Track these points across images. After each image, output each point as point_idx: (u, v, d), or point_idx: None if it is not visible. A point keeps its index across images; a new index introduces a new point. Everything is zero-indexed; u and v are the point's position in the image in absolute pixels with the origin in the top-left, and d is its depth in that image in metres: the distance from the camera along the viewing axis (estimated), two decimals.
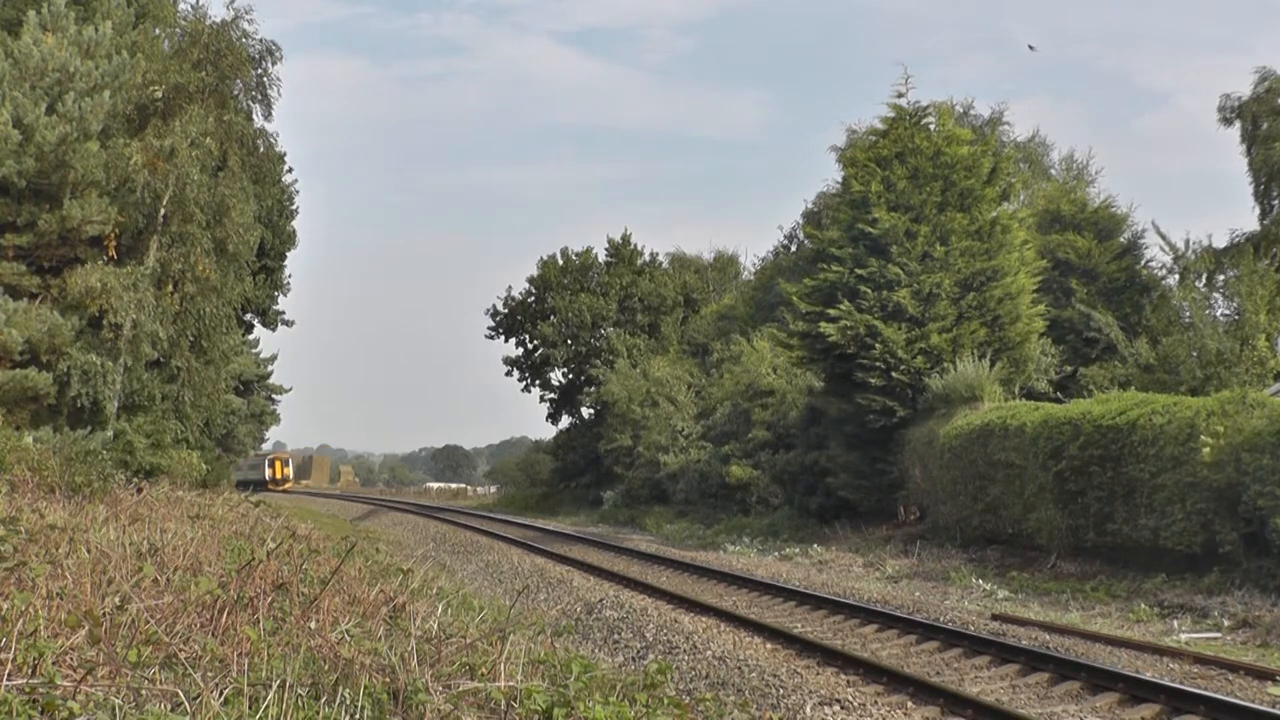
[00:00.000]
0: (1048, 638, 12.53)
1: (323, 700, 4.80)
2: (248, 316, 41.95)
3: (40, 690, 4.23)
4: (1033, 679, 10.55)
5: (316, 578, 7.58)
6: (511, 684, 5.34)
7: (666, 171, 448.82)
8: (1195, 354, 25.26)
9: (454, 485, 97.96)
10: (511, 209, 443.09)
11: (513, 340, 56.48)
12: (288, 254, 42.67)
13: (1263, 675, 10.37)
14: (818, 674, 10.65)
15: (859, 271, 25.10)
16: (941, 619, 13.99)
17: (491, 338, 56.87)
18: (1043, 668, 10.80)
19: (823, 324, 24.94)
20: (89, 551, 7.59)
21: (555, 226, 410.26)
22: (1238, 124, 31.20)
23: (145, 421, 25.81)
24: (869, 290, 24.84)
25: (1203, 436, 15.65)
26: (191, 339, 26.74)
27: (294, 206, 42.54)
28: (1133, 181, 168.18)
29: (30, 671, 4.44)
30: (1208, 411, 15.96)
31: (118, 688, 4.53)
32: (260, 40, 27.74)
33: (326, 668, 5.25)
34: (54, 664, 4.57)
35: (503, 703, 5.15)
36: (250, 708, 4.53)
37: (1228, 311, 26.87)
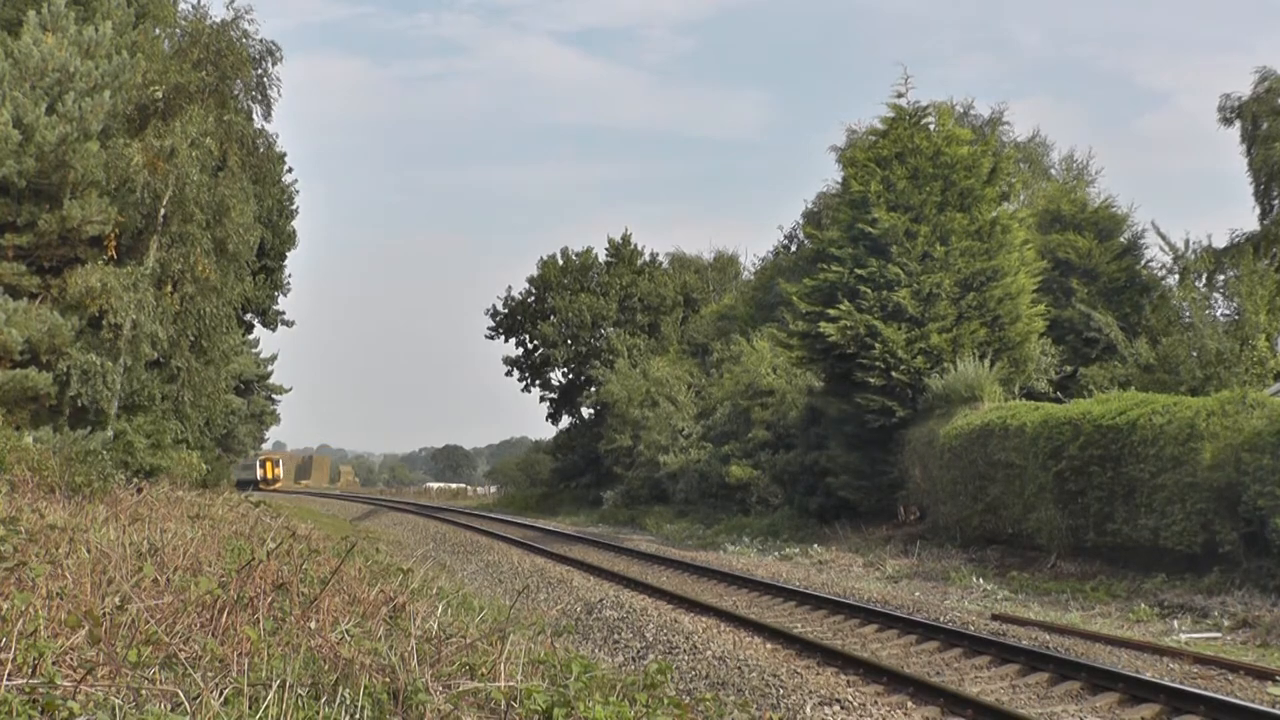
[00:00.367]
0: (1048, 638, 12.53)
1: (323, 700, 4.80)
2: (248, 316, 41.96)
3: (40, 690, 4.22)
4: (1033, 679, 10.55)
5: (316, 578, 7.58)
6: (511, 684, 5.34)
7: (666, 171, 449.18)
8: (1195, 354, 25.25)
9: (454, 485, 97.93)
10: (511, 209, 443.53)
11: (513, 340, 56.51)
12: (288, 254, 42.72)
13: (1263, 675, 10.37)
14: (818, 674, 10.65)
15: (859, 271, 25.10)
16: (941, 619, 13.99)
17: (491, 338, 56.92)
18: (1043, 668, 10.80)
19: (823, 324, 24.94)
20: (89, 551, 7.59)
21: (555, 226, 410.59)
22: (1238, 124, 31.21)
23: (145, 421, 25.80)
24: (869, 290, 24.84)
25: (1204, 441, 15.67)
26: (191, 339, 26.74)
27: (294, 206, 42.56)
28: (1133, 181, 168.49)
29: (30, 671, 4.44)
30: (1208, 411, 15.96)
31: (118, 688, 4.53)
32: (260, 40, 27.76)
33: (326, 668, 5.25)
34: (54, 664, 4.57)
35: (503, 703, 5.15)
36: (250, 708, 4.53)
37: (1228, 311, 26.88)
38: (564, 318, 53.35)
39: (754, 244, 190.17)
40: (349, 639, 5.98)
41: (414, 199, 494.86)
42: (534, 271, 55.74)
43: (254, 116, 28.81)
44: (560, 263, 55.27)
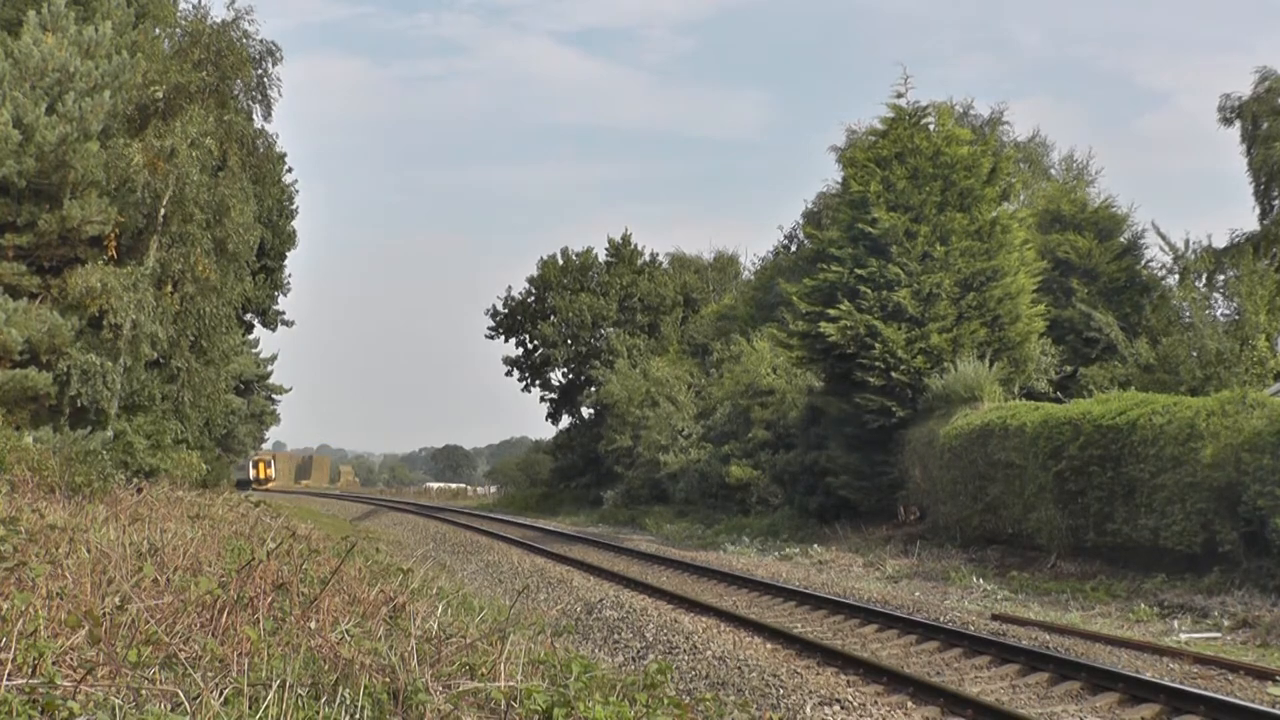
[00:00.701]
0: (1048, 638, 12.53)
1: (323, 700, 4.80)
2: (248, 316, 41.98)
3: (40, 690, 4.23)
4: (1033, 679, 10.55)
5: (316, 578, 7.58)
6: (511, 684, 5.34)
7: (666, 171, 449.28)
8: (1195, 354, 25.26)
9: (454, 485, 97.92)
10: (511, 209, 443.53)
11: (513, 340, 56.51)
12: (288, 254, 42.75)
13: (1263, 675, 10.37)
14: (818, 674, 10.65)
15: (859, 271, 25.10)
16: (941, 619, 13.99)
17: (491, 338, 56.93)
18: (1043, 668, 10.80)
19: (823, 324, 24.94)
20: (89, 551, 7.59)
21: (555, 226, 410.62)
22: (1238, 124, 31.22)
23: (145, 422, 25.81)
24: (869, 290, 24.84)
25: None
26: (191, 339, 26.75)
27: (294, 206, 42.58)
28: (1133, 181, 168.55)
29: (30, 671, 4.44)
30: (1208, 411, 15.96)
31: (118, 688, 4.53)
32: (261, 40, 27.78)
33: (326, 668, 5.25)
34: (54, 664, 4.57)
35: (503, 703, 5.15)
36: (250, 708, 4.53)
37: (1228, 311, 26.89)
38: (564, 318, 53.36)
39: (754, 244, 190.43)
40: (349, 639, 5.97)
41: (414, 199, 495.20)
42: (534, 271, 55.81)
43: (254, 116, 28.85)
44: (560, 263, 55.28)
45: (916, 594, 17.28)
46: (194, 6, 28.55)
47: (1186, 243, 30.01)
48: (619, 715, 5.20)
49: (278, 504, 31.71)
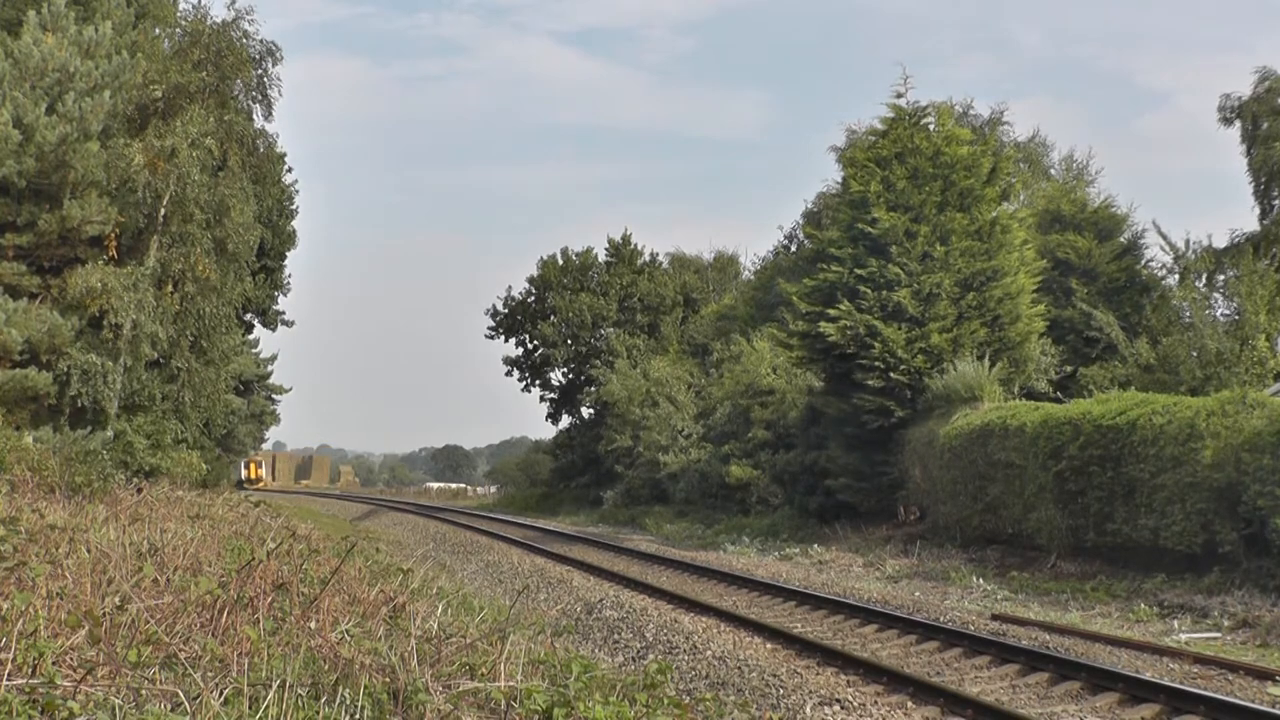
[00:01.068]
0: (1048, 638, 12.53)
1: (323, 700, 4.80)
2: (248, 316, 41.97)
3: (40, 690, 4.23)
4: (1033, 679, 10.55)
5: (316, 578, 7.58)
6: (511, 684, 5.34)
7: (666, 171, 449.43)
8: (1195, 354, 25.27)
9: (454, 485, 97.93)
10: (511, 209, 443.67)
11: (513, 340, 56.52)
12: (288, 254, 42.76)
13: (1263, 675, 10.37)
14: (818, 674, 10.65)
15: (859, 271, 25.10)
16: (941, 619, 13.99)
17: (491, 338, 56.94)
18: (1043, 668, 10.79)
19: (822, 324, 24.94)
20: (89, 551, 7.59)
21: (555, 226, 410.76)
22: (1238, 124, 31.22)
23: (145, 422, 25.80)
24: (869, 290, 24.84)
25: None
26: (191, 339, 26.75)
27: (294, 206, 42.59)
28: (1133, 181, 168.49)
29: (30, 671, 4.44)
30: (1208, 411, 15.95)
31: (118, 688, 4.53)
32: (261, 41, 27.78)
33: (326, 668, 5.25)
34: (54, 664, 4.57)
35: (503, 703, 5.15)
36: (250, 708, 4.53)
37: (1228, 311, 26.90)
38: (564, 318, 53.36)
39: (754, 244, 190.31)
40: (349, 639, 5.98)
41: (414, 199, 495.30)
42: (534, 271, 55.83)
43: (254, 116, 28.85)
44: (560, 263, 55.28)
45: (916, 594, 17.27)
46: (194, 6, 28.61)
47: (1187, 243, 30.04)
48: (619, 715, 5.20)
49: (278, 504, 31.71)
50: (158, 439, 26.03)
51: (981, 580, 18.06)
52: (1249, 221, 31.42)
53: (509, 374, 56.72)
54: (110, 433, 23.58)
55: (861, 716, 8.84)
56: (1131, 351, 27.31)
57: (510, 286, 60.21)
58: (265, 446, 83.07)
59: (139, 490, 17.47)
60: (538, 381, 56.26)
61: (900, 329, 24.53)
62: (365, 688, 4.91)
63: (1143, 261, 31.61)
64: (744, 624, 13.83)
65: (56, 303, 22.16)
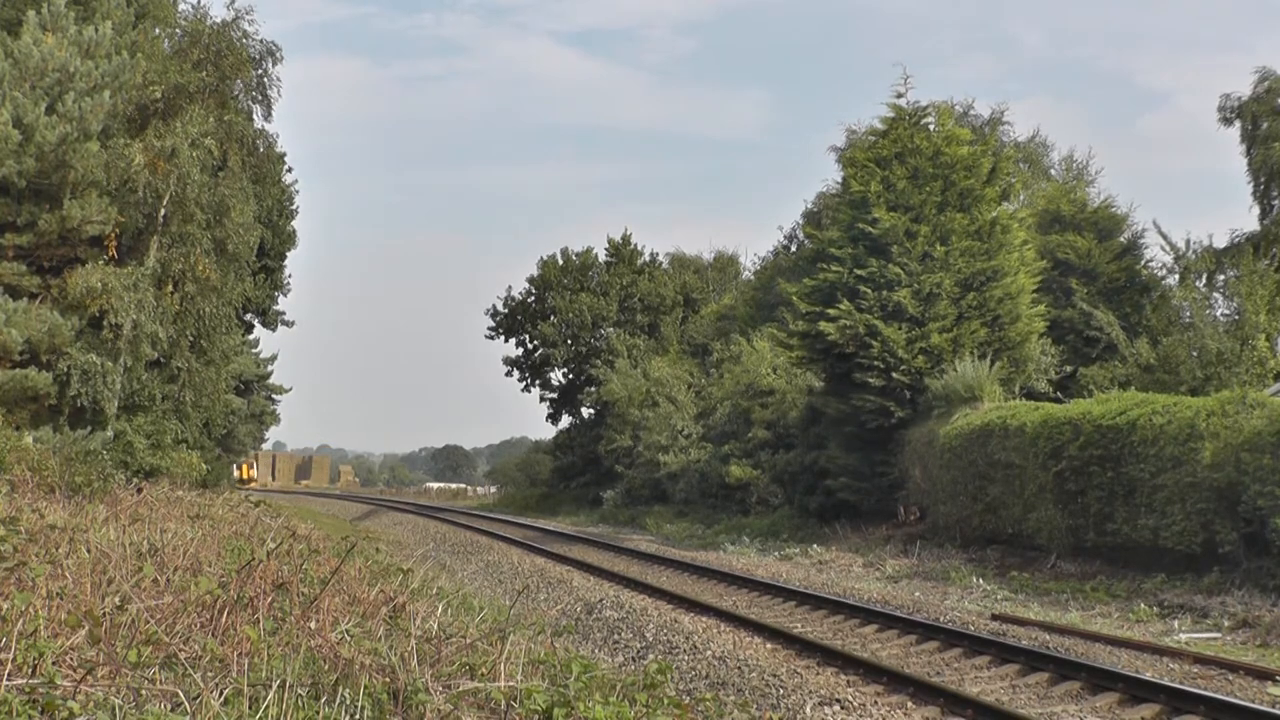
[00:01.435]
0: (1048, 638, 12.53)
1: (323, 700, 4.80)
2: (248, 316, 41.96)
3: (40, 690, 4.22)
4: (1033, 679, 10.55)
5: (316, 578, 7.58)
6: (511, 684, 5.34)
7: (666, 171, 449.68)
8: (1195, 354, 25.27)
9: (454, 485, 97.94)
10: (511, 209, 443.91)
11: (513, 340, 56.53)
12: (288, 254, 42.74)
13: (1263, 675, 10.37)
14: (818, 674, 10.65)
15: (859, 271, 25.10)
16: (941, 619, 13.99)
17: (491, 338, 56.96)
18: (1043, 668, 10.79)
19: (822, 324, 24.93)
20: (89, 551, 7.58)
21: (555, 226, 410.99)
22: (1238, 124, 31.24)
23: (145, 422, 25.80)
24: (869, 290, 24.84)
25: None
26: (191, 339, 26.74)
27: (294, 206, 42.57)
28: (1133, 181, 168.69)
29: (30, 671, 4.44)
30: (1208, 411, 15.96)
31: (118, 688, 4.53)
32: (260, 41, 27.81)
33: (326, 668, 5.25)
34: (54, 664, 4.57)
35: (503, 703, 5.15)
36: (250, 708, 4.53)
37: (1228, 311, 26.90)
38: (564, 318, 53.36)
39: (754, 244, 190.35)
40: (349, 639, 5.97)
41: (414, 199, 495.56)
42: (534, 271, 55.84)
43: (254, 117, 28.87)
44: (560, 263, 55.29)
45: (916, 594, 17.27)
46: (194, 6, 28.58)
47: (1187, 242, 30.05)
48: (619, 715, 5.20)
49: (278, 504, 31.70)
50: (158, 439, 26.02)
51: (981, 580, 18.06)
52: (1249, 221, 31.48)
53: (509, 374, 56.77)
54: (110, 433, 23.57)
55: (861, 716, 8.84)
56: (1131, 351, 27.31)
57: (510, 286, 60.29)
58: (265, 447, 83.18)
59: (139, 490, 17.47)
60: (538, 381, 56.27)
61: (900, 329, 24.53)
62: (365, 688, 4.91)
63: (1143, 261, 31.63)
64: (744, 624, 13.82)
65: (56, 303, 22.16)
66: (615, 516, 40.17)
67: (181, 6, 28.51)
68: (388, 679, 5.13)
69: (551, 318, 54.35)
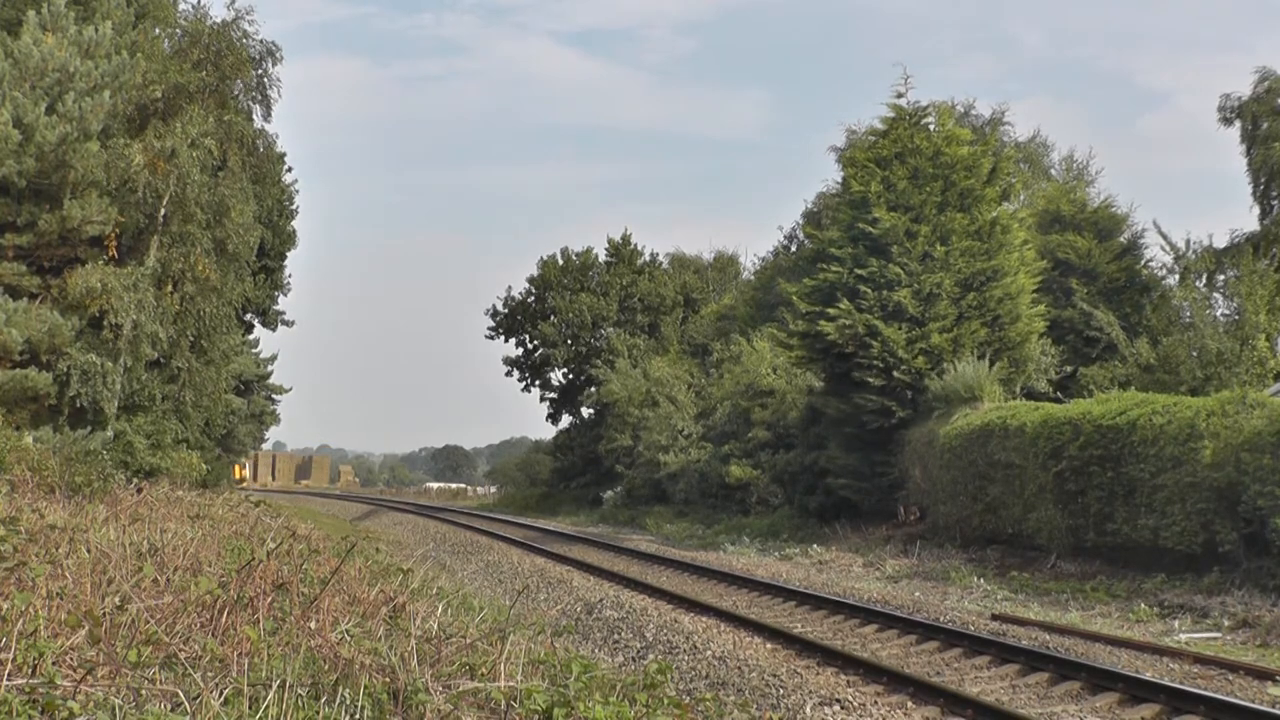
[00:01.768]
0: (1048, 638, 12.53)
1: (323, 700, 4.80)
2: (248, 316, 41.93)
3: (40, 690, 4.22)
4: (1033, 679, 10.55)
5: (316, 578, 7.58)
6: (511, 684, 5.34)
7: (666, 171, 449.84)
8: (1195, 354, 25.28)
9: (454, 485, 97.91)
10: (511, 209, 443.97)
11: (513, 340, 56.53)
12: (288, 254, 42.70)
13: (1263, 675, 10.37)
14: (818, 674, 10.65)
15: (859, 271, 25.10)
16: (941, 619, 13.99)
17: (491, 338, 56.96)
18: (1043, 668, 10.79)
19: (822, 324, 24.93)
20: (89, 551, 7.58)
21: (555, 226, 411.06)
22: (1238, 124, 31.24)
23: (145, 422, 25.79)
24: (869, 290, 24.84)
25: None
26: (191, 339, 26.73)
27: (294, 206, 42.54)
28: (1133, 181, 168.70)
29: (30, 671, 4.44)
30: (1208, 411, 15.96)
31: (118, 688, 4.53)
32: (261, 41, 27.80)
33: (326, 668, 5.25)
34: (54, 664, 4.57)
35: (503, 703, 5.15)
36: (250, 708, 4.53)
37: (1228, 311, 26.90)
38: (564, 318, 53.37)
39: (754, 244, 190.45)
40: (349, 639, 5.97)
41: (414, 199, 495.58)
42: (534, 271, 55.84)
43: (254, 117, 28.85)
44: (560, 263, 55.29)
45: (916, 594, 17.27)
46: (194, 6, 28.57)
47: (1187, 243, 30.06)
48: (619, 715, 5.20)
49: (278, 504, 31.70)
50: (158, 439, 26.01)
51: (981, 580, 18.06)
52: (1249, 221, 31.48)
53: (509, 374, 56.77)
54: (110, 433, 23.56)
55: (861, 716, 8.84)
56: (1131, 351, 27.31)
57: (510, 286, 60.29)
58: (265, 446, 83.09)
59: (139, 490, 17.46)
60: (538, 381, 56.27)
61: (900, 329, 24.53)
62: (365, 688, 4.91)
63: (1143, 261, 31.64)
64: (744, 624, 13.82)
65: (56, 303, 22.15)
66: (615, 516, 40.17)
67: (181, 6, 28.52)
68: (388, 679, 5.13)
69: (551, 318, 54.35)
